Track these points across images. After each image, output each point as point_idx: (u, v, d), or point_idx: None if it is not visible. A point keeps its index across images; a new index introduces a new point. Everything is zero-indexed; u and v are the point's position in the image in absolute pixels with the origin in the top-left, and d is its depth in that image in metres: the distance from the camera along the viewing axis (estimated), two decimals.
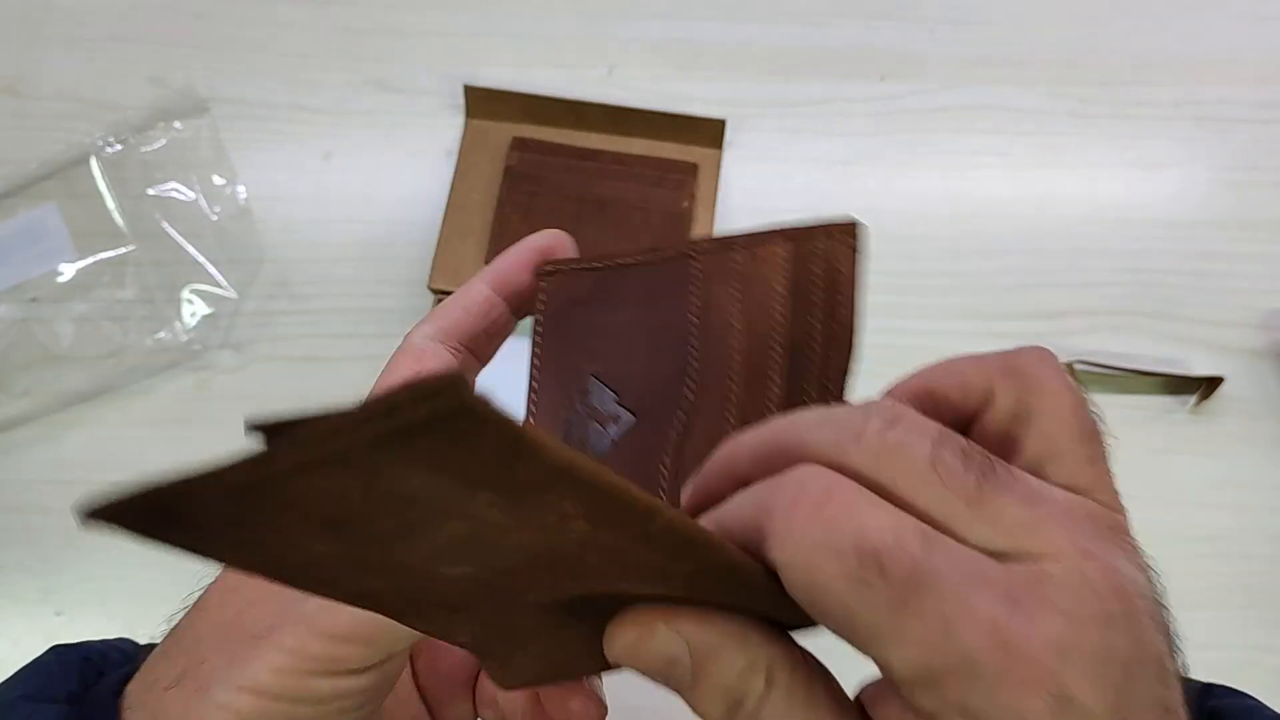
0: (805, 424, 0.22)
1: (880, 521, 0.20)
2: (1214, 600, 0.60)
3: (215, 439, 0.69)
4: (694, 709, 0.22)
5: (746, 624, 0.22)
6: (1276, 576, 0.61)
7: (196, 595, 0.28)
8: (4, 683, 0.27)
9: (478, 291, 0.33)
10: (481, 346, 0.33)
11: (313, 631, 0.24)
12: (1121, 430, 0.69)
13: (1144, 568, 0.23)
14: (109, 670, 0.28)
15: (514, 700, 0.30)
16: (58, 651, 0.28)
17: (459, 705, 0.32)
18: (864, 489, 0.21)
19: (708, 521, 0.23)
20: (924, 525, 0.20)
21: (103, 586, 0.59)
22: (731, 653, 0.21)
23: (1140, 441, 0.64)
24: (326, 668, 0.24)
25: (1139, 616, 0.21)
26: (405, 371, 0.30)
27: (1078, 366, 0.64)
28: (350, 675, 0.25)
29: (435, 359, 0.30)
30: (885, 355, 0.65)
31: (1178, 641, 0.24)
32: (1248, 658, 0.59)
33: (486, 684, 0.32)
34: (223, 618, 0.25)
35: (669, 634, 0.21)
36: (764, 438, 0.23)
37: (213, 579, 0.28)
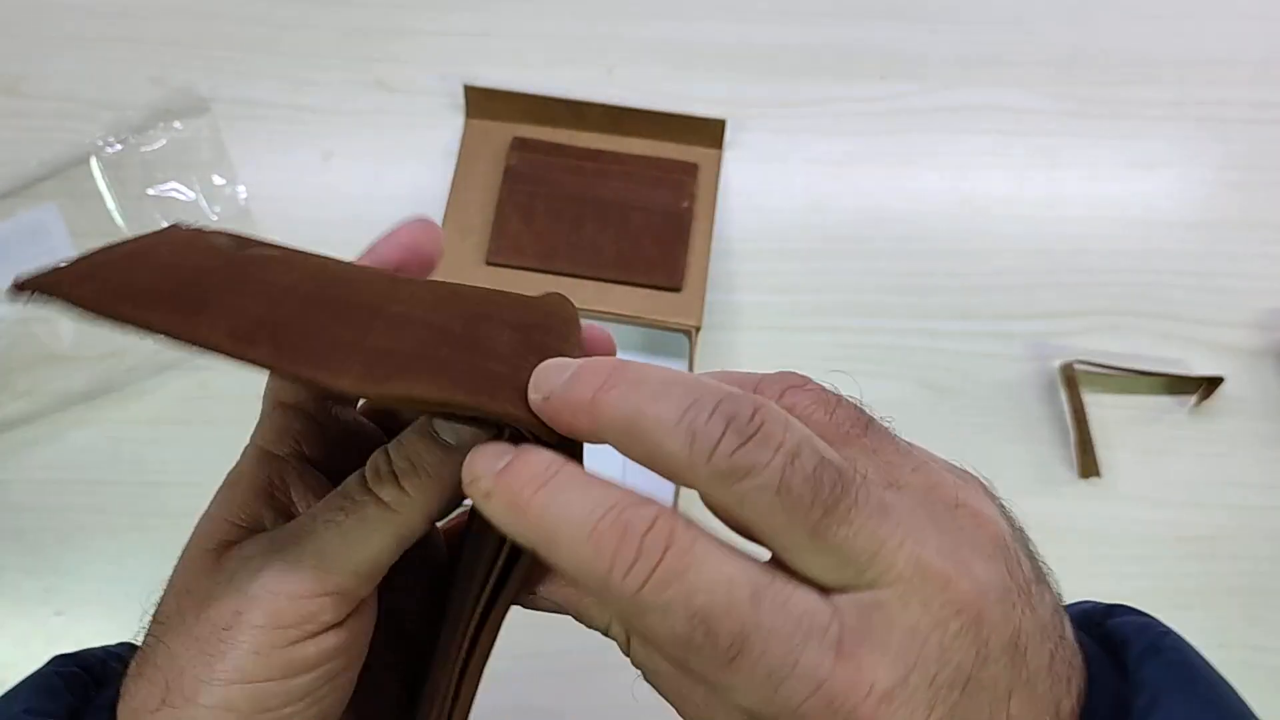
0: (662, 422, 0.21)
1: (713, 579, 0.20)
2: (1214, 600, 0.60)
3: (215, 439, 0.68)
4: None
5: None
6: (1276, 577, 0.61)
7: (149, 616, 0.27)
8: (5, 695, 0.27)
9: None
10: None
11: (279, 599, 0.24)
12: (1121, 430, 0.69)
13: (996, 517, 0.23)
14: (108, 681, 0.28)
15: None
16: (57, 663, 0.28)
17: None
18: (701, 536, 0.21)
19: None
20: (758, 577, 0.21)
21: (103, 586, 0.59)
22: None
23: (1140, 441, 0.64)
24: (305, 632, 0.25)
25: (983, 613, 0.21)
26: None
27: (1078, 366, 0.64)
28: (328, 632, 0.25)
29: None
30: (885, 355, 0.66)
31: (1044, 571, 0.25)
32: (1248, 658, 0.59)
33: None
34: (184, 624, 0.25)
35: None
36: (626, 413, 0.22)
37: (159, 596, 0.28)
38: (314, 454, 0.29)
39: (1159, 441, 0.64)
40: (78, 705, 0.27)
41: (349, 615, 0.26)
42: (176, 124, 0.68)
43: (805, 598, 0.21)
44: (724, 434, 0.21)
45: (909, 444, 0.25)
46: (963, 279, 0.67)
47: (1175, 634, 0.26)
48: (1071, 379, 0.64)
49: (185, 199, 0.66)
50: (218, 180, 0.67)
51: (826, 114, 0.71)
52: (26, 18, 0.72)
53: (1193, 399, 0.65)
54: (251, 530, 0.27)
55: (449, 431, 0.25)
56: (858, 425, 0.24)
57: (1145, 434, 0.64)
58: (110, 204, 0.66)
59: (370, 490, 0.25)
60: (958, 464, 0.26)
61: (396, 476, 0.25)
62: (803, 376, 0.25)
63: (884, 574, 0.21)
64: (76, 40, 0.71)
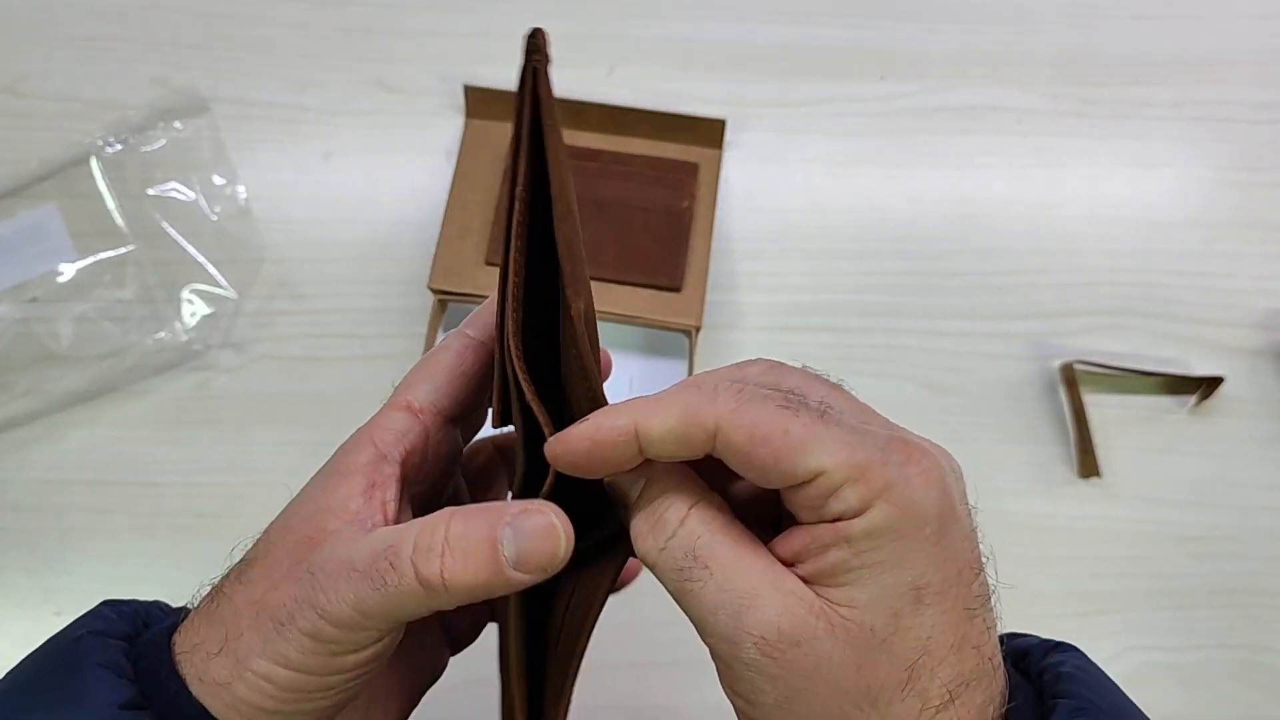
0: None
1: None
2: (1213, 600, 0.60)
3: (215, 439, 0.69)
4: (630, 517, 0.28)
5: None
6: (1276, 577, 0.61)
7: (235, 564, 0.30)
8: (66, 627, 0.30)
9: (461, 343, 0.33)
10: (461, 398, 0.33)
11: (325, 621, 0.27)
12: (1121, 430, 0.69)
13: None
14: (153, 623, 0.31)
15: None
16: (110, 603, 0.31)
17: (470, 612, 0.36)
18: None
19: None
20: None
21: (102, 586, 0.59)
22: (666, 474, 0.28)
23: (1140, 441, 0.64)
24: (344, 649, 0.27)
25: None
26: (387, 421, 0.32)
27: (1078, 366, 0.64)
28: (364, 649, 0.28)
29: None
30: (885, 355, 0.66)
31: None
32: (1248, 658, 0.59)
33: None
34: (254, 595, 0.28)
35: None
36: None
37: (250, 549, 0.30)
38: (415, 465, 0.31)
39: (1159, 441, 0.64)
40: (132, 633, 0.30)
41: (383, 637, 0.28)
42: (176, 124, 0.68)
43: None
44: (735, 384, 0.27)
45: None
46: (962, 279, 0.67)
47: (1095, 666, 0.30)
48: (1071, 379, 0.64)
49: (185, 199, 0.66)
50: (218, 180, 0.67)
51: (826, 114, 0.71)
52: (26, 18, 0.72)
53: (1193, 399, 0.65)
54: (347, 524, 0.29)
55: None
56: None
57: (1145, 434, 0.64)
58: (110, 204, 0.66)
59: (417, 567, 0.27)
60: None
61: (441, 570, 0.27)
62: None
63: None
64: (76, 40, 0.71)
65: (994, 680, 0.27)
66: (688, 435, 0.26)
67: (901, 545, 0.25)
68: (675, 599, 0.27)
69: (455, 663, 0.37)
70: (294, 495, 0.31)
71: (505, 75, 0.70)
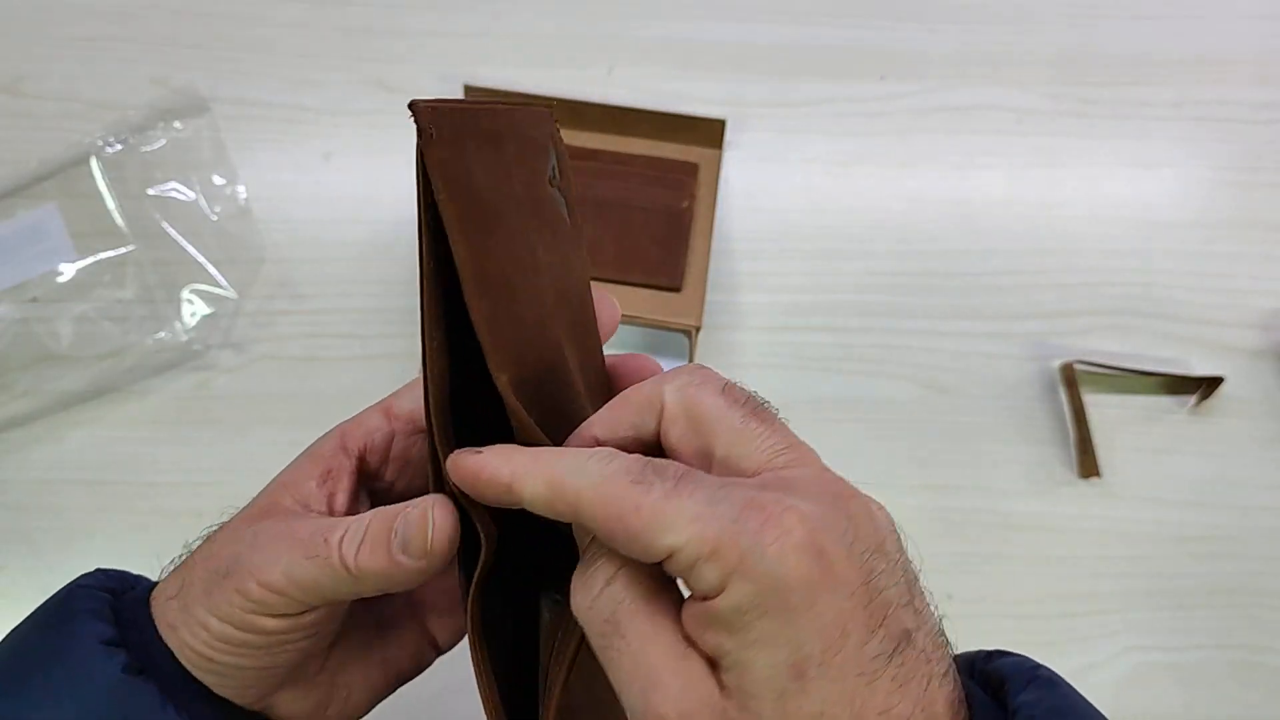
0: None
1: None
2: (1214, 600, 0.60)
3: (215, 439, 0.69)
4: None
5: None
6: (1276, 577, 0.61)
7: (200, 540, 0.33)
8: (64, 587, 0.33)
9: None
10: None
11: (253, 579, 0.30)
12: (1121, 430, 0.69)
13: (884, 524, 0.27)
14: (140, 585, 0.34)
15: None
16: (101, 569, 0.35)
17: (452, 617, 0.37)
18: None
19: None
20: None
21: None
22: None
23: (1140, 441, 0.64)
24: (268, 610, 0.30)
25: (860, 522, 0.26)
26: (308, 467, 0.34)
27: (1078, 366, 0.64)
28: (289, 617, 0.30)
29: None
30: (885, 355, 0.66)
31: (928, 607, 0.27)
32: (1248, 658, 0.59)
33: None
34: (209, 551, 0.32)
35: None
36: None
37: (219, 527, 0.33)
38: (375, 464, 0.34)
39: (1159, 441, 0.64)
40: (119, 589, 0.33)
41: (309, 610, 0.30)
42: (176, 124, 0.68)
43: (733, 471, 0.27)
44: (684, 369, 0.29)
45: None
46: (963, 279, 0.67)
47: (1048, 668, 0.28)
48: (1071, 379, 0.64)
49: (185, 199, 0.66)
50: (218, 180, 0.67)
51: (826, 114, 0.71)
52: (26, 18, 0.72)
53: (1193, 399, 0.65)
54: (297, 502, 0.32)
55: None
56: (751, 403, 0.29)
57: (1145, 434, 0.64)
58: (110, 204, 0.66)
59: (341, 549, 0.29)
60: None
61: (356, 555, 0.29)
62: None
63: (793, 462, 0.27)
64: (76, 40, 0.71)
65: None
66: (553, 507, 0.26)
67: (769, 621, 0.23)
68: (598, 655, 0.26)
69: (453, 665, 0.37)
70: None
71: (505, 75, 0.70)
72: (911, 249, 0.68)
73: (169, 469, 0.61)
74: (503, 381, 0.27)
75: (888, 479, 0.62)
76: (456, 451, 0.28)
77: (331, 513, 0.32)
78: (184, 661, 0.31)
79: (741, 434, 0.27)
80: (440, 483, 0.30)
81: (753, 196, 0.69)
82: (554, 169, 0.32)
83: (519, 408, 0.27)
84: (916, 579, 0.26)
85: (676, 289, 0.64)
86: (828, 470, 0.27)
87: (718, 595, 0.24)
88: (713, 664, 0.25)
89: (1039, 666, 0.28)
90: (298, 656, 0.32)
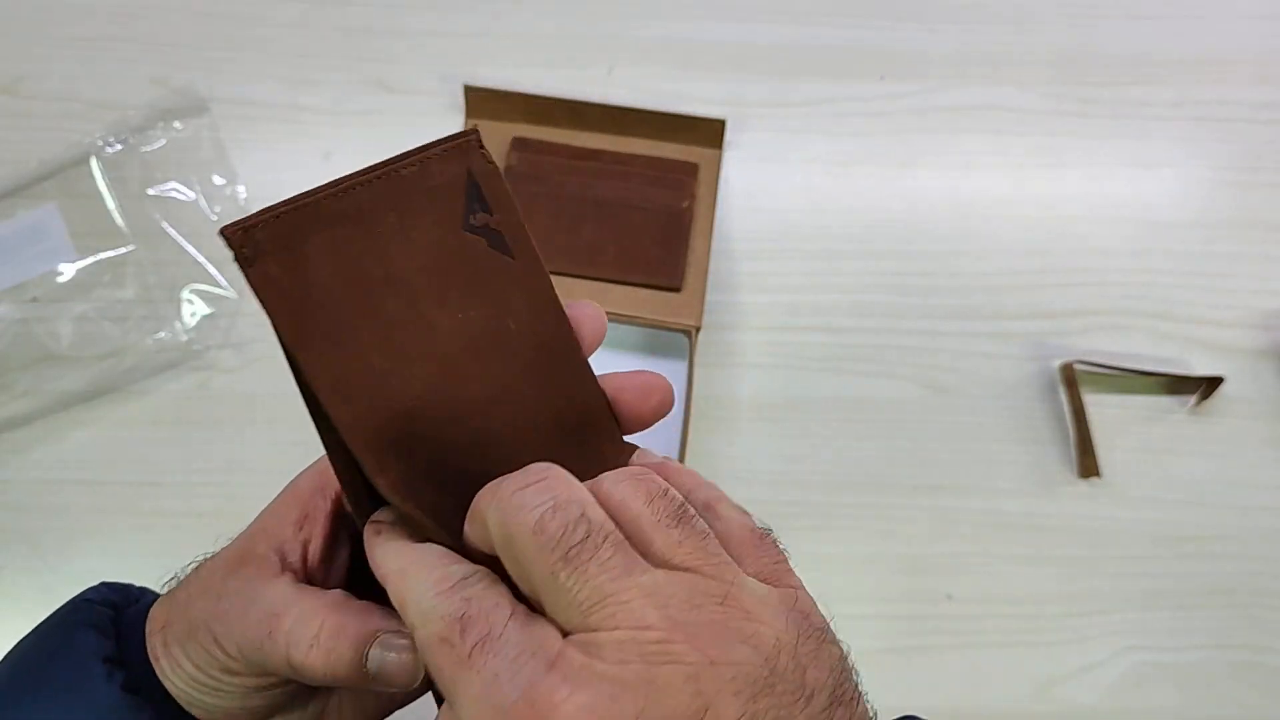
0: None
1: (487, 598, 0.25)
2: (1214, 600, 0.60)
3: (215, 439, 0.69)
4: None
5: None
6: (1276, 577, 0.61)
7: (193, 566, 0.34)
8: (68, 601, 0.34)
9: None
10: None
11: (216, 646, 0.31)
12: (1121, 430, 0.69)
13: (777, 631, 0.24)
14: (143, 600, 0.35)
15: None
16: (106, 582, 0.36)
17: None
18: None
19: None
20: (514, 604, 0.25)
21: None
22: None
23: (1140, 441, 0.64)
24: (231, 670, 0.31)
25: (702, 678, 0.23)
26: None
27: (1078, 366, 0.64)
28: (250, 678, 0.31)
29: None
30: (885, 355, 0.66)
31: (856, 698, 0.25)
32: (1248, 658, 0.59)
33: None
34: (189, 593, 0.33)
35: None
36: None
37: (203, 558, 0.34)
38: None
39: (1159, 441, 0.64)
40: (122, 604, 0.34)
41: (268, 687, 0.31)
42: (176, 124, 0.68)
43: (545, 629, 0.24)
44: (517, 484, 0.26)
45: (728, 559, 0.26)
46: (963, 279, 0.67)
47: None
48: (1071, 379, 0.64)
49: (185, 199, 0.66)
50: (218, 180, 0.67)
51: (826, 114, 0.71)
52: (26, 18, 0.72)
53: (1193, 399, 0.65)
54: (272, 551, 0.32)
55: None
56: (671, 518, 0.26)
57: (1145, 434, 0.64)
58: (110, 204, 0.66)
59: (288, 644, 0.29)
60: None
61: (306, 658, 0.29)
62: (651, 476, 0.27)
63: (604, 621, 0.23)
64: (76, 40, 0.71)
65: None
66: (408, 621, 0.26)
67: None
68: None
69: None
70: None
71: (505, 75, 0.70)
72: (911, 249, 0.68)
73: (169, 469, 0.61)
74: (384, 484, 0.27)
75: (888, 479, 0.62)
76: (368, 525, 0.29)
77: (305, 562, 0.32)
78: (171, 691, 0.32)
79: (550, 586, 0.24)
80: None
81: (753, 196, 0.69)
82: (476, 207, 0.30)
83: (409, 509, 0.28)
84: (835, 684, 0.24)
85: (676, 289, 0.64)
86: (648, 628, 0.23)
87: None
88: None
89: None
90: (283, 699, 0.33)
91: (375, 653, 0.29)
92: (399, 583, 0.27)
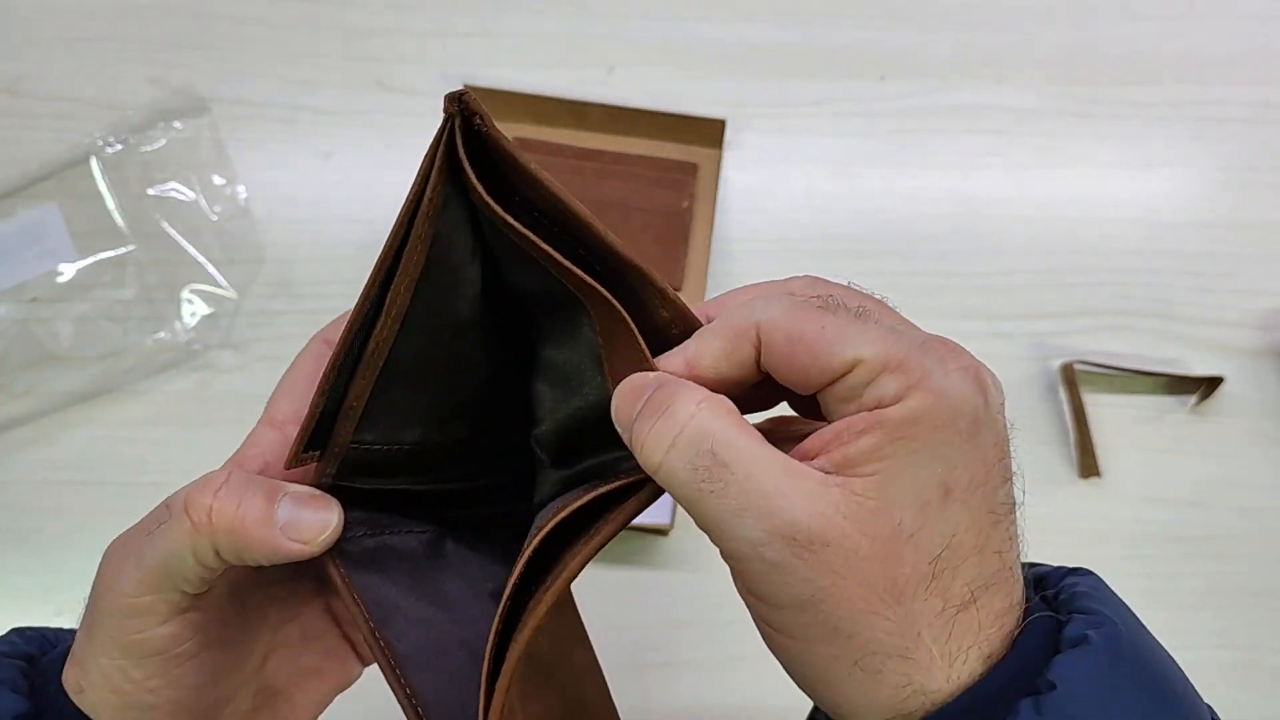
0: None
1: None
2: (1214, 600, 0.60)
3: (215, 439, 0.68)
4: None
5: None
6: (1276, 577, 0.61)
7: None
8: None
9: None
10: None
11: (117, 595, 0.29)
12: (1121, 430, 0.69)
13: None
14: (62, 644, 0.33)
15: None
16: (17, 630, 0.34)
17: None
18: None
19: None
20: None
21: None
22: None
23: (1140, 441, 0.64)
24: (142, 624, 0.29)
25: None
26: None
27: (1078, 366, 0.64)
28: (165, 624, 0.29)
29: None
30: None
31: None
32: (1248, 658, 0.59)
33: None
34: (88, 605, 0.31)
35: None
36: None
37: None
38: (276, 474, 0.32)
39: (1159, 441, 0.64)
40: (36, 654, 0.32)
41: (186, 610, 0.30)
42: (176, 124, 0.68)
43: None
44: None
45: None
46: (963, 279, 0.67)
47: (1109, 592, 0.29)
48: (1071, 379, 0.64)
49: (185, 199, 0.66)
50: (218, 180, 0.67)
51: (826, 114, 0.71)
52: (26, 18, 0.72)
53: (1193, 399, 0.65)
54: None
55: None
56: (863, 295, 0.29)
57: (1145, 434, 0.64)
58: (110, 204, 0.66)
59: (185, 503, 0.28)
60: None
61: (210, 509, 0.28)
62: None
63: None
64: (76, 40, 0.71)
65: (1014, 588, 0.26)
66: (736, 350, 0.27)
67: (935, 436, 0.25)
68: (687, 505, 0.26)
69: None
70: None
71: (505, 75, 0.70)
72: (911, 249, 0.68)
73: (169, 469, 0.61)
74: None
75: None
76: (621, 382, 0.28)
77: None
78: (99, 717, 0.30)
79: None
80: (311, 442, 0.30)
81: (753, 196, 0.69)
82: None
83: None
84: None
85: (676, 289, 0.64)
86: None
87: (893, 404, 0.25)
88: (833, 474, 0.25)
89: (1076, 566, 0.30)
90: (204, 674, 0.31)
91: (286, 502, 0.29)
92: (712, 337, 0.28)
